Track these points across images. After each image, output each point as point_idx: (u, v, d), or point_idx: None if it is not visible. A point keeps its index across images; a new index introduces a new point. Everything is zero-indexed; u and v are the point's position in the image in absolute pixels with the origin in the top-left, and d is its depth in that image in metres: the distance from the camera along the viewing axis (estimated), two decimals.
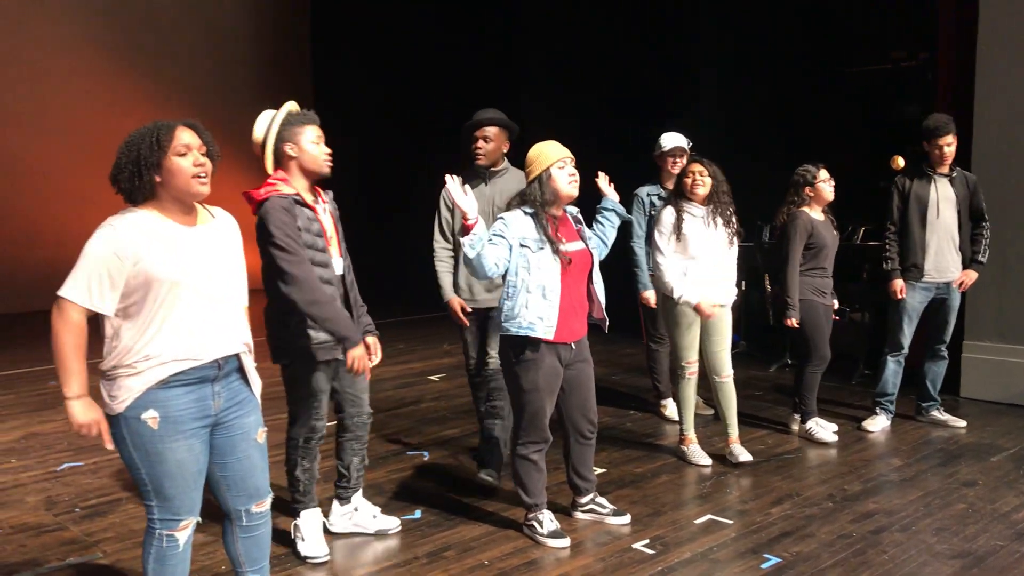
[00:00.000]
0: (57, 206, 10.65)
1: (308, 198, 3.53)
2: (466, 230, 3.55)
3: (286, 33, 12.83)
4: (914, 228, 5.37)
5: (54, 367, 2.62)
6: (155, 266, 2.53)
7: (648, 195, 5.66)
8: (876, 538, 3.89)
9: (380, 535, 3.95)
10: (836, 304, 5.48)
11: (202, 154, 2.62)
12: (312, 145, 3.53)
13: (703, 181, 4.71)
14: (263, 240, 3.43)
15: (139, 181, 2.56)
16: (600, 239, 4.03)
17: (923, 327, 5.57)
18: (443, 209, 4.51)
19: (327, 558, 3.70)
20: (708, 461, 4.89)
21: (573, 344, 3.84)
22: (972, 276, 5.44)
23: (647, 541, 3.88)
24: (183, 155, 2.57)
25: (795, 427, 5.54)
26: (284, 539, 3.82)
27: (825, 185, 5.25)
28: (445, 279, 4.51)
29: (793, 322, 5.19)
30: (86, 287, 2.51)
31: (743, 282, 8.00)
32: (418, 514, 4.20)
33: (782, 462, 4.98)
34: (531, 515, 3.91)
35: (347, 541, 3.89)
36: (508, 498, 4.32)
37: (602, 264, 4.06)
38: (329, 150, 3.57)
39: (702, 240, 4.71)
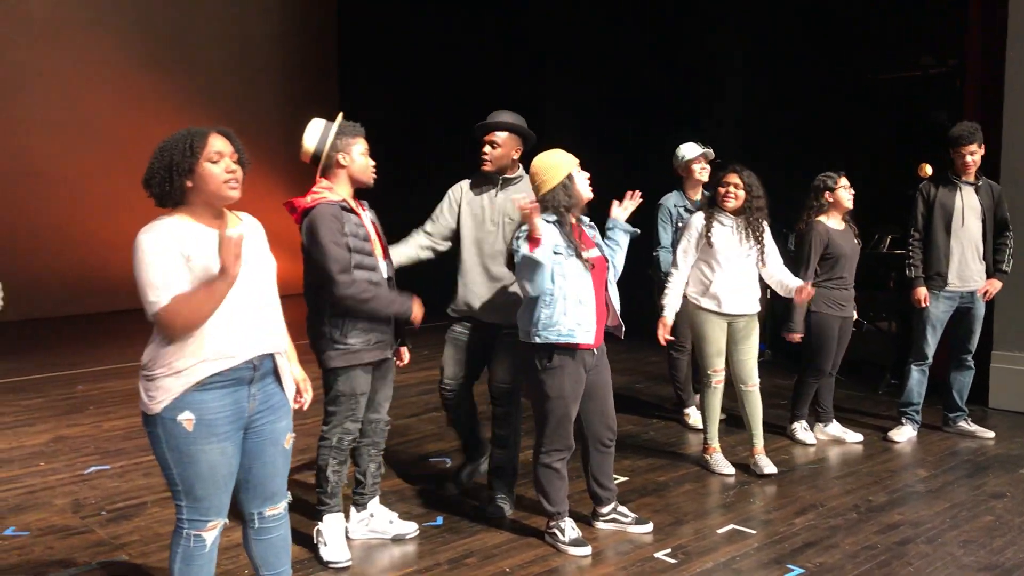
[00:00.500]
0: (87, 213, 10.78)
1: (354, 205, 3.65)
2: (534, 243, 3.53)
3: (312, 43, 12.91)
4: (938, 236, 5.32)
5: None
6: (196, 270, 2.57)
7: (675, 206, 5.66)
8: (901, 550, 3.85)
9: (398, 540, 3.96)
10: (855, 315, 5.44)
11: (234, 161, 2.66)
12: (361, 156, 3.65)
13: (736, 194, 4.66)
14: (312, 244, 3.52)
15: (170, 186, 2.60)
16: (611, 263, 4.00)
17: (948, 337, 5.51)
18: (444, 205, 4.29)
19: (349, 563, 3.71)
20: (731, 470, 4.86)
21: (595, 350, 3.85)
22: (996, 285, 5.38)
23: (669, 550, 3.86)
24: (215, 161, 2.62)
25: (819, 435, 5.51)
26: (307, 543, 3.84)
27: (844, 192, 5.21)
28: (400, 248, 4.22)
29: (794, 337, 5.16)
30: (154, 291, 2.50)
31: (768, 290, 7.96)
32: (439, 520, 4.21)
33: (806, 472, 4.94)
34: (553, 523, 3.90)
35: (367, 547, 3.91)
36: (530, 506, 4.31)
37: (625, 271, 4.06)
38: (374, 162, 3.68)
39: (730, 250, 4.68)
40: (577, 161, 3.82)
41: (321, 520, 3.79)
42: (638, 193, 4.03)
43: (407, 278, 4.03)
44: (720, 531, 4.08)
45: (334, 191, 3.62)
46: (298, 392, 2.95)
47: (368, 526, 3.97)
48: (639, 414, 6.15)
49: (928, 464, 5.06)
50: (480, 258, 4.17)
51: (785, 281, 4.81)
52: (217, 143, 2.63)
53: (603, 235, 4.02)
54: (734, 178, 4.69)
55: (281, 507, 2.91)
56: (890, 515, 4.26)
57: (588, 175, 3.83)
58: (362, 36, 12.34)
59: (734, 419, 5.44)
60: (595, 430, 3.98)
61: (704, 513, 4.35)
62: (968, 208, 5.29)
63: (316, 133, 3.63)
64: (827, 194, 5.23)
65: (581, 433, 4.00)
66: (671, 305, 4.79)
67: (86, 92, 10.83)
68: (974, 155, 5.24)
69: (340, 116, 3.70)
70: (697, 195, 5.73)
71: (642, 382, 7.16)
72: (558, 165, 3.77)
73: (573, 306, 3.70)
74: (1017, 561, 3.72)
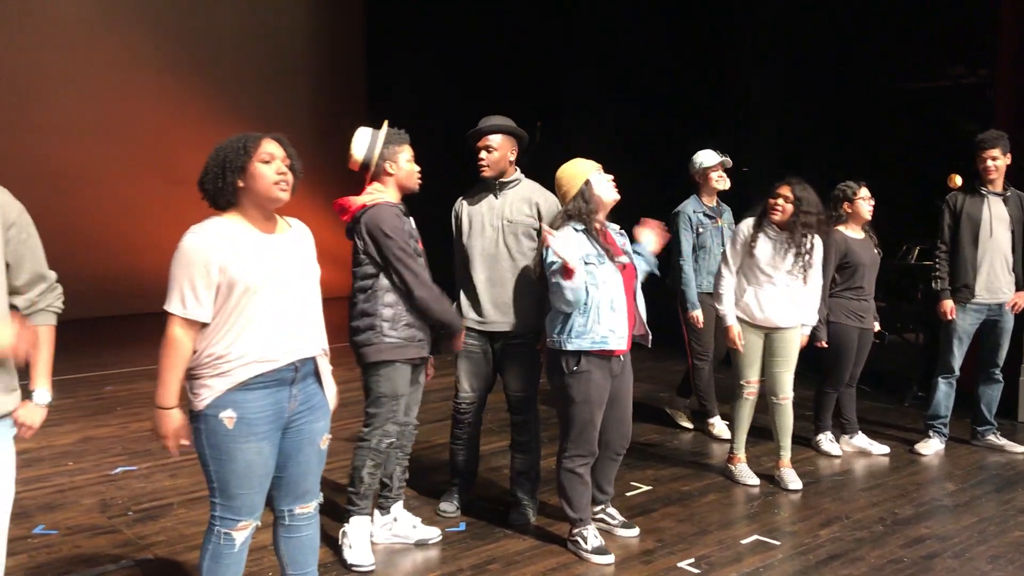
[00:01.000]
0: (115, 215, 10.88)
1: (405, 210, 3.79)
2: (568, 274, 3.56)
3: (340, 44, 12.98)
4: (965, 247, 5.27)
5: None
6: (237, 271, 2.63)
7: (694, 212, 5.66)
8: (928, 564, 3.81)
9: (421, 545, 3.97)
10: (877, 326, 5.39)
11: (285, 165, 2.72)
12: (408, 163, 3.74)
13: (783, 208, 4.57)
14: (383, 239, 3.61)
15: (222, 183, 2.68)
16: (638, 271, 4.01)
17: (976, 349, 5.46)
18: (454, 229, 4.33)
19: (373, 567, 3.72)
20: (756, 481, 4.84)
21: (622, 356, 3.85)
22: None
23: (692, 560, 3.84)
24: (267, 162, 2.69)
25: (844, 447, 5.47)
26: (333, 545, 3.86)
27: (864, 203, 5.17)
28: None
29: (823, 343, 5.12)
30: (179, 298, 2.62)
31: None
32: (462, 526, 4.21)
33: (831, 483, 4.91)
34: (575, 530, 3.90)
35: (390, 551, 3.92)
36: (553, 512, 4.31)
37: (650, 279, 4.06)
38: (419, 168, 3.75)
39: (770, 262, 4.63)
40: (596, 166, 3.84)
41: (348, 522, 3.81)
42: (665, 234, 4.08)
43: (452, 285, 4.09)
44: (744, 542, 4.06)
45: (385, 195, 3.73)
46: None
47: (391, 530, 3.98)
48: (663, 423, 6.13)
49: (956, 478, 5.00)
50: (484, 264, 4.17)
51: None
52: (270, 146, 2.71)
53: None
54: (785, 190, 4.59)
55: (312, 507, 2.94)
56: (916, 529, 4.22)
57: (611, 177, 3.84)
58: (390, 36, 12.39)
59: (756, 429, 5.42)
60: (610, 437, 3.98)
61: (728, 523, 4.32)
62: (996, 219, 5.23)
63: (364, 142, 3.72)
64: (846, 204, 5.20)
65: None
66: (731, 312, 4.73)
67: (113, 95, 10.94)
68: (996, 160, 5.18)
69: (386, 124, 3.77)
70: (713, 202, 5.74)
71: (665, 391, 7.11)
72: (576, 173, 3.81)
73: (606, 312, 3.72)
74: None
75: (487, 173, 4.15)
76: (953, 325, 5.33)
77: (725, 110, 8.66)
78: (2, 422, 2.45)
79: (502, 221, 4.15)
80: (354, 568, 3.72)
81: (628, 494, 4.69)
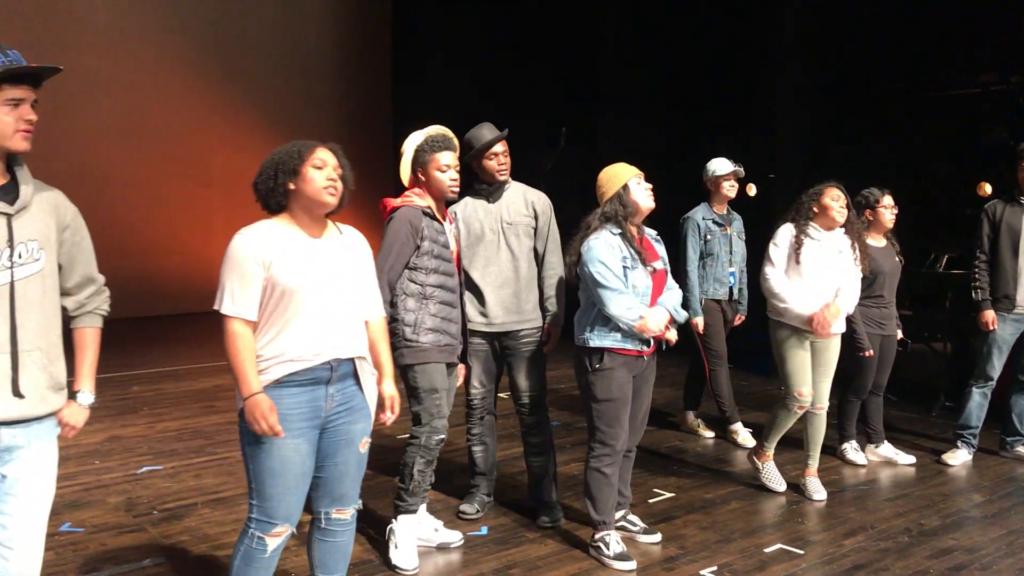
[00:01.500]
0: (146, 218, 11.01)
1: (438, 213, 3.80)
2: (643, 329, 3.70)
3: (366, 51, 13.06)
4: (1005, 258, 5.21)
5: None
6: (279, 272, 2.68)
7: (704, 219, 5.70)
8: None
9: (443, 548, 3.97)
10: (900, 334, 5.34)
11: (336, 174, 2.77)
12: (438, 172, 3.75)
13: (840, 211, 4.56)
14: (382, 241, 3.70)
15: (274, 184, 2.75)
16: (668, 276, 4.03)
17: (1010, 359, 5.39)
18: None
19: (416, 571, 3.73)
20: (783, 487, 4.81)
21: (646, 357, 3.87)
22: None
23: (715, 568, 3.82)
24: (319, 168, 2.74)
25: (870, 456, 5.42)
26: (373, 544, 3.89)
27: (886, 212, 5.12)
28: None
29: (868, 353, 5.06)
30: (229, 297, 2.69)
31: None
32: (484, 530, 4.21)
33: (856, 493, 4.86)
34: (598, 535, 3.89)
35: None
36: (576, 517, 4.31)
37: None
38: (456, 176, 3.77)
39: (816, 266, 4.56)
40: (637, 173, 3.87)
41: (396, 519, 3.82)
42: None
43: None
44: (768, 550, 4.03)
45: (423, 197, 3.78)
46: (382, 408, 2.99)
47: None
48: (685, 430, 6.09)
49: (984, 489, 4.94)
50: (488, 268, 4.23)
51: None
52: (323, 153, 2.78)
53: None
54: (838, 192, 4.59)
55: (349, 513, 2.94)
56: (943, 540, 4.17)
57: (650, 186, 3.86)
58: (416, 43, 12.46)
59: (784, 437, 5.39)
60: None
61: (752, 531, 4.29)
62: None
63: (405, 152, 3.83)
64: (868, 211, 5.16)
65: None
66: (807, 307, 4.51)
67: (145, 99, 11.08)
68: None
69: (428, 130, 3.83)
70: (723, 209, 5.78)
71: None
72: (615, 176, 3.86)
73: None
74: None
75: (506, 176, 4.27)
76: (993, 335, 5.27)
77: (752, 117, 8.61)
78: (47, 421, 2.47)
79: (501, 224, 4.24)
80: (397, 569, 3.73)
81: (650, 501, 4.67)
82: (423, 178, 3.78)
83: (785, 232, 4.65)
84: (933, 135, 7.99)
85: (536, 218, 4.29)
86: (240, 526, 2.91)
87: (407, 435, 3.90)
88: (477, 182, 4.32)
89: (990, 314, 5.25)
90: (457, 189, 3.80)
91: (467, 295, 4.22)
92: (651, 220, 4.00)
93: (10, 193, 2.36)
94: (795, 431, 4.87)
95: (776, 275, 4.60)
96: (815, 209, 4.61)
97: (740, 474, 5.14)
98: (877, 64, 8.08)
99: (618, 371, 3.78)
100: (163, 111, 11.21)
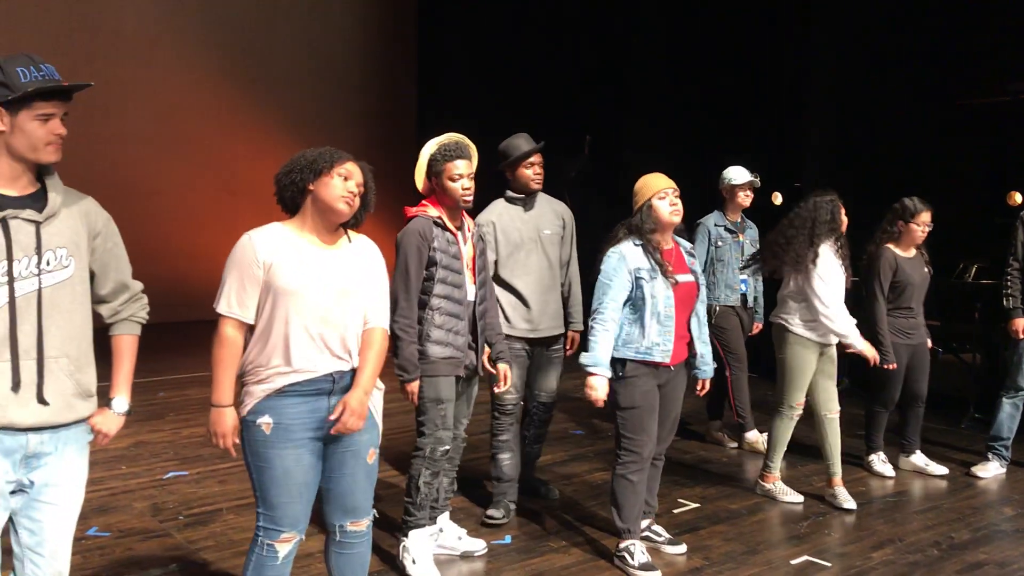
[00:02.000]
0: (173, 225, 11.12)
1: (450, 223, 3.73)
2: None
3: (393, 60, 13.13)
4: None
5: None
6: (277, 273, 2.68)
7: (716, 225, 5.74)
8: None
9: (466, 557, 3.96)
10: (930, 343, 5.28)
11: (358, 188, 2.78)
12: (450, 182, 3.70)
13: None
14: (396, 256, 3.68)
15: (298, 177, 2.76)
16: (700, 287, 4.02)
17: None
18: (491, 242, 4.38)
19: None
20: (800, 498, 4.77)
21: (672, 367, 3.85)
22: None
23: None
24: (344, 178, 2.76)
25: (901, 465, 5.36)
26: (387, 559, 3.87)
27: (919, 229, 5.05)
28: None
29: (891, 365, 5.02)
30: (227, 297, 2.72)
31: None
32: (508, 539, 4.20)
33: (884, 504, 4.80)
34: (623, 545, 3.87)
35: (435, 562, 3.89)
36: (601, 526, 4.30)
37: None
38: (470, 185, 3.73)
39: (834, 276, 4.62)
40: (667, 186, 3.84)
41: (407, 536, 3.79)
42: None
43: None
44: (794, 562, 3.99)
45: (437, 206, 3.76)
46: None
47: (437, 541, 3.97)
48: (709, 440, 6.05)
49: (1015, 502, 4.87)
50: (529, 276, 4.34)
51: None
52: (352, 166, 2.79)
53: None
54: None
55: (364, 524, 2.92)
56: (974, 553, 4.11)
57: (677, 202, 3.84)
58: (442, 53, 12.50)
59: (803, 447, 5.33)
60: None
61: (777, 543, 4.25)
62: None
63: (420, 160, 3.80)
64: (900, 223, 5.10)
65: None
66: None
67: (175, 108, 11.21)
68: None
69: (442, 138, 3.80)
70: (737, 217, 5.81)
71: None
72: (644, 187, 3.88)
73: (653, 325, 3.75)
74: None
75: (540, 186, 4.40)
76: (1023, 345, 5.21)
77: (778, 125, 8.57)
78: (75, 428, 2.47)
79: (539, 233, 4.39)
80: None
81: (675, 511, 4.64)
82: (436, 187, 3.75)
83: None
84: (962, 144, 7.89)
85: (564, 228, 4.50)
86: None
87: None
88: (510, 191, 4.42)
89: (1020, 322, 5.18)
90: (470, 198, 3.74)
91: (505, 301, 4.31)
92: None
93: (39, 201, 2.38)
94: (812, 441, 4.83)
95: (839, 314, 4.61)
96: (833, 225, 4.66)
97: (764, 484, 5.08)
98: (905, 72, 8.00)
99: (641, 379, 3.79)
100: (191, 120, 11.33)
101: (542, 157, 4.40)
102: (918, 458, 5.37)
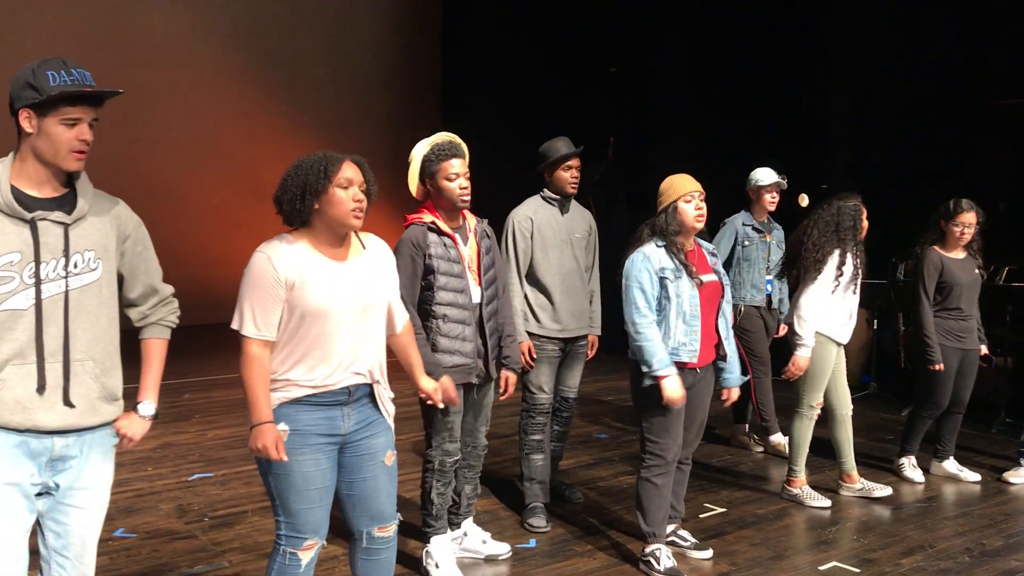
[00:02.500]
0: (198, 227, 11.21)
1: (446, 226, 3.63)
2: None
3: (416, 64, 13.17)
4: None
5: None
6: (303, 295, 2.65)
7: (744, 224, 5.72)
8: None
9: (491, 560, 3.95)
10: (985, 349, 5.19)
11: (361, 191, 2.73)
12: (446, 181, 3.59)
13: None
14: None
15: (300, 204, 2.69)
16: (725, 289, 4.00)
17: None
18: (521, 244, 4.38)
19: None
20: (827, 503, 4.72)
21: (698, 370, 3.82)
22: None
23: None
24: (345, 188, 2.69)
25: (934, 471, 5.30)
26: (411, 564, 3.86)
27: (958, 229, 4.98)
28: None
29: (938, 367, 4.95)
30: (250, 318, 2.66)
31: (875, 321, 7.70)
32: (532, 543, 4.18)
33: (914, 510, 4.74)
34: (648, 549, 3.83)
35: (459, 566, 3.87)
36: (627, 530, 4.27)
37: None
38: (466, 184, 3.62)
39: (848, 277, 4.67)
40: (693, 189, 3.80)
41: (428, 542, 3.78)
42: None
43: None
44: (822, 568, 3.94)
45: (433, 211, 3.65)
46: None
47: (461, 544, 3.96)
48: (735, 444, 6.00)
49: None
50: (560, 277, 4.40)
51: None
52: (349, 171, 2.71)
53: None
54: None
55: (390, 530, 2.91)
56: (1006, 561, 4.04)
57: (702, 206, 3.80)
58: (465, 57, 12.52)
59: (826, 449, 5.27)
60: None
61: (805, 549, 4.20)
62: None
63: (412, 163, 3.69)
64: (942, 222, 5.04)
65: None
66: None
67: (203, 112, 11.30)
68: None
69: (433, 138, 3.70)
70: (764, 218, 5.78)
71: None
72: (670, 189, 3.84)
73: (679, 326, 3.73)
74: None
75: (576, 190, 4.45)
76: None
77: (805, 126, 8.49)
78: (100, 431, 2.46)
79: (571, 236, 4.46)
80: None
81: (701, 516, 4.59)
82: (432, 189, 3.64)
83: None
84: (994, 145, 7.78)
85: (590, 234, 4.59)
86: None
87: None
88: (546, 191, 4.47)
89: None
90: (468, 197, 3.63)
91: (535, 301, 4.35)
92: None
93: (69, 203, 2.38)
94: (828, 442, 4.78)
95: (810, 320, 4.62)
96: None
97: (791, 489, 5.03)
98: (935, 71, 7.90)
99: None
100: (218, 124, 11.43)
101: (580, 162, 4.45)
102: (951, 464, 5.29)
